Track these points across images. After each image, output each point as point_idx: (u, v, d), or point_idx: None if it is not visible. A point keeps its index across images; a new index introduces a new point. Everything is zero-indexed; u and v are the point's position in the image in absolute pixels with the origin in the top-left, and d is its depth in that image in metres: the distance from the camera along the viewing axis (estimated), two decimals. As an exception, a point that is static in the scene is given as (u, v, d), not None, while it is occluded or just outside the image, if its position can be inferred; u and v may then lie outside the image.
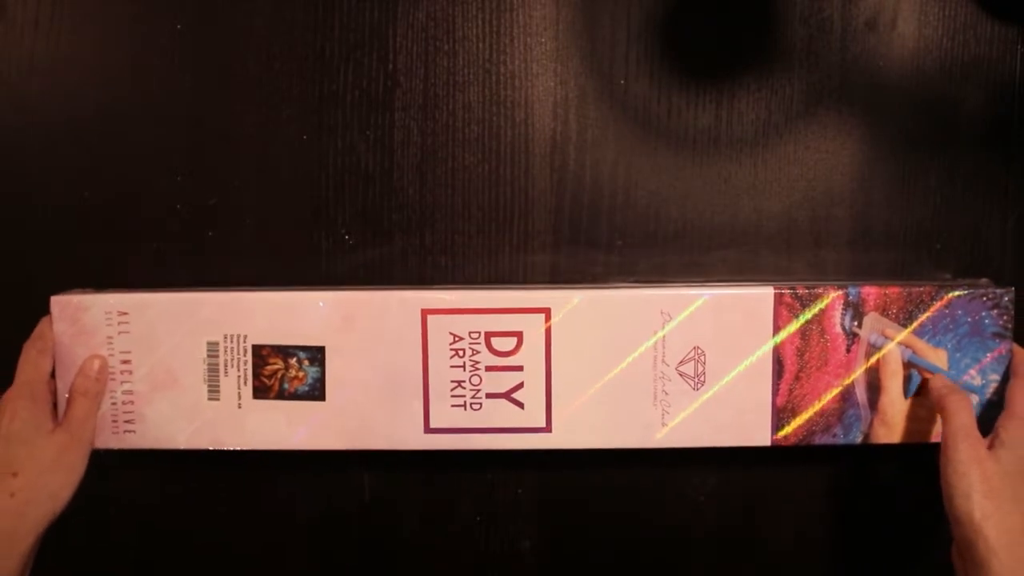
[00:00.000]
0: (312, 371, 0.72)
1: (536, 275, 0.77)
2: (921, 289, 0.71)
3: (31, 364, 0.73)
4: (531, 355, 0.72)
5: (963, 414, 0.67)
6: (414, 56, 0.77)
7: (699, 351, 0.71)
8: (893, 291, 0.71)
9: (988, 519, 0.63)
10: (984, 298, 0.71)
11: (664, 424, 0.72)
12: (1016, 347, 0.71)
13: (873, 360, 0.71)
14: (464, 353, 0.72)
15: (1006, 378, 0.71)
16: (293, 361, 0.72)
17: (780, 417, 0.72)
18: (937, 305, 0.71)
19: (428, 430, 0.72)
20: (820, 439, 0.72)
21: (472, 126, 0.77)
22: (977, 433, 0.67)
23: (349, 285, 0.77)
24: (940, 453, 0.66)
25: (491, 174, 0.77)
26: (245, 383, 0.73)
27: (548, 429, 0.72)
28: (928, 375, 0.71)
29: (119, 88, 0.77)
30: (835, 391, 0.72)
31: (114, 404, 0.73)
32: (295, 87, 0.77)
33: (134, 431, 0.73)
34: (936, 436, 0.71)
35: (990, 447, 0.66)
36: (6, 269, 0.78)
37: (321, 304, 0.72)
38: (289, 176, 0.77)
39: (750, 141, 0.76)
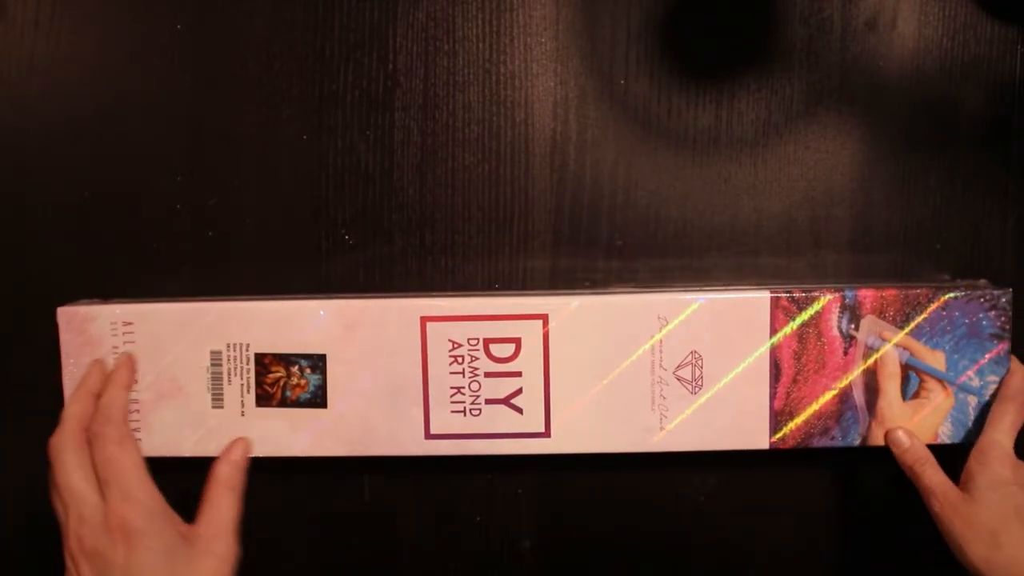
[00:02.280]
0: (314, 379, 0.73)
1: (536, 276, 0.77)
2: (918, 291, 0.71)
3: (134, 476, 0.63)
4: (529, 361, 0.72)
5: (927, 474, 0.69)
6: (414, 56, 0.76)
7: (696, 355, 0.72)
8: (890, 293, 0.71)
9: (989, 563, 0.65)
10: (982, 299, 0.71)
11: (662, 428, 0.72)
12: (1016, 365, 0.72)
13: (870, 362, 0.72)
14: (463, 359, 0.72)
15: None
16: (295, 369, 0.73)
17: (778, 420, 0.72)
18: (934, 307, 0.71)
19: (428, 436, 0.73)
20: (818, 441, 0.72)
21: (472, 126, 0.77)
22: (945, 484, 0.68)
23: (349, 285, 0.77)
24: None
25: (491, 174, 0.77)
26: (248, 391, 0.73)
27: (547, 434, 0.73)
28: (925, 376, 0.72)
29: (119, 88, 0.77)
30: (832, 394, 0.72)
31: (120, 413, 0.74)
32: (295, 87, 0.77)
33: (140, 439, 0.73)
34: (934, 437, 0.72)
35: (963, 484, 0.68)
36: (5, 269, 0.79)
37: (322, 313, 0.72)
38: (289, 176, 0.77)
39: (750, 141, 0.76)
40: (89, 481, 0.62)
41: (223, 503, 0.66)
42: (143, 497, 0.62)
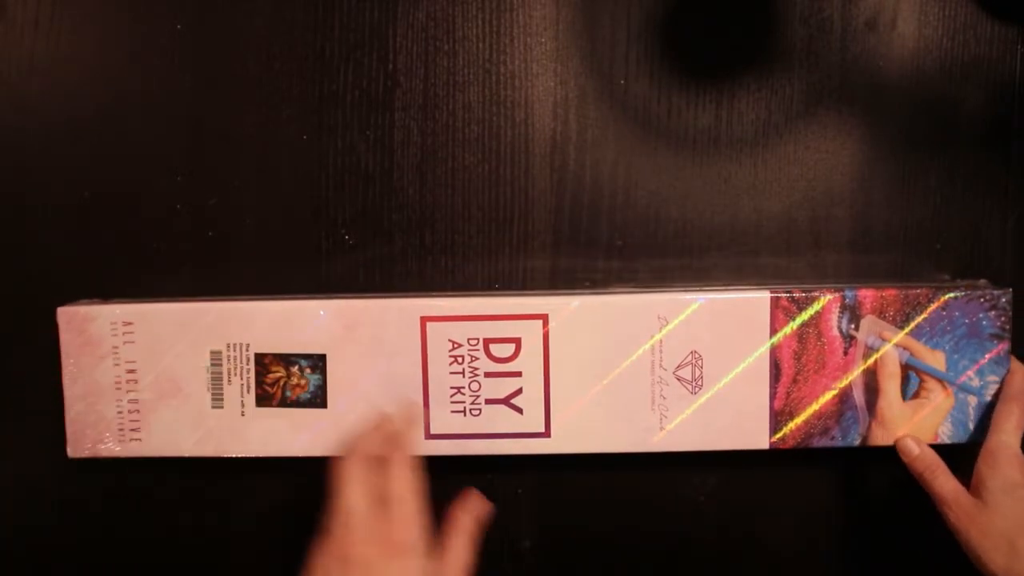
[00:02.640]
0: (314, 379, 0.73)
1: (536, 276, 0.77)
2: (918, 291, 0.71)
3: (417, 501, 0.66)
4: (529, 361, 0.72)
5: (938, 481, 0.69)
6: (414, 56, 0.76)
7: (696, 355, 0.72)
8: (890, 293, 0.71)
9: (1010, 573, 0.65)
10: (982, 299, 0.71)
11: (662, 428, 0.72)
12: (1016, 365, 0.72)
13: (870, 362, 0.72)
14: (463, 359, 0.72)
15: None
16: (295, 369, 0.73)
17: (778, 420, 0.72)
18: (934, 307, 0.71)
19: (428, 436, 0.73)
20: (818, 441, 0.72)
21: (472, 126, 0.77)
22: (957, 491, 0.68)
23: (349, 285, 0.77)
24: None
25: (491, 174, 0.77)
26: (248, 391, 0.73)
27: (547, 434, 0.73)
28: (925, 376, 0.72)
29: (119, 88, 0.77)
30: (832, 394, 0.72)
31: (120, 413, 0.74)
32: (295, 87, 0.77)
33: (140, 439, 0.74)
34: (934, 437, 0.72)
35: (975, 489, 0.68)
36: (5, 269, 0.78)
37: (322, 313, 0.72)
38: (289, 176, 0.77)
39: (750, 141, 0.76)
40: (368, 499, 0.65)
41: (463, 550, 0.69)
42: (421, 524, 0.65)
